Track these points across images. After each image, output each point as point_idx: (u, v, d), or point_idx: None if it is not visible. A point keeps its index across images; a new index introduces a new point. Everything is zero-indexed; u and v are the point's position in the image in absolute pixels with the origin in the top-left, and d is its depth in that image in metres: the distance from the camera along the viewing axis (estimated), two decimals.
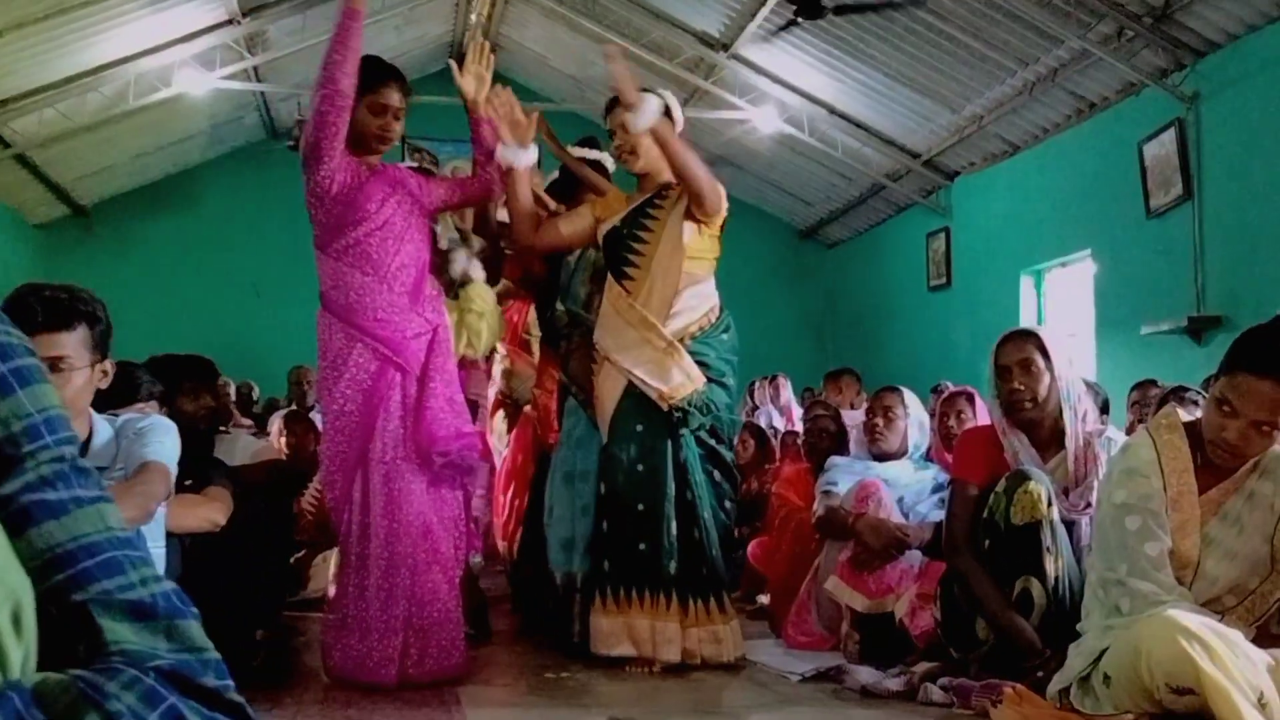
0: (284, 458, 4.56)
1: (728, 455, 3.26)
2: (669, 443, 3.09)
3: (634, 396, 3.10)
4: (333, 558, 3.33)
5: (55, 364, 2.08)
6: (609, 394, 3.15)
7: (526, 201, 3.22)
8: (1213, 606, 2.23)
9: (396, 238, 2.93)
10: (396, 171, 3.10)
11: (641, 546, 3.04)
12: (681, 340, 3.11)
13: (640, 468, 3.08)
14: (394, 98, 2.95)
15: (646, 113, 3.01)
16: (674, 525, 3.06)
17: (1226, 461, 2.24)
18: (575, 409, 3.36)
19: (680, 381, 3.08)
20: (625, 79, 3.01)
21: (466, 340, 3.44)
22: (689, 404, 3.07)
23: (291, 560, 4.04)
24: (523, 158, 3.16)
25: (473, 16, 10.56)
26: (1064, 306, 8.49)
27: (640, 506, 3.06)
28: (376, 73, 2.94)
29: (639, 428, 3.11)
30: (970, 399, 3.56)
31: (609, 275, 3.23)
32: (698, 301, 3.18)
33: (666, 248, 3.14)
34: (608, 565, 3.08)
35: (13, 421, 0.77)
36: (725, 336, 3.22)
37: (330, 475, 2.95)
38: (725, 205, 3.18)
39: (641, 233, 3.18)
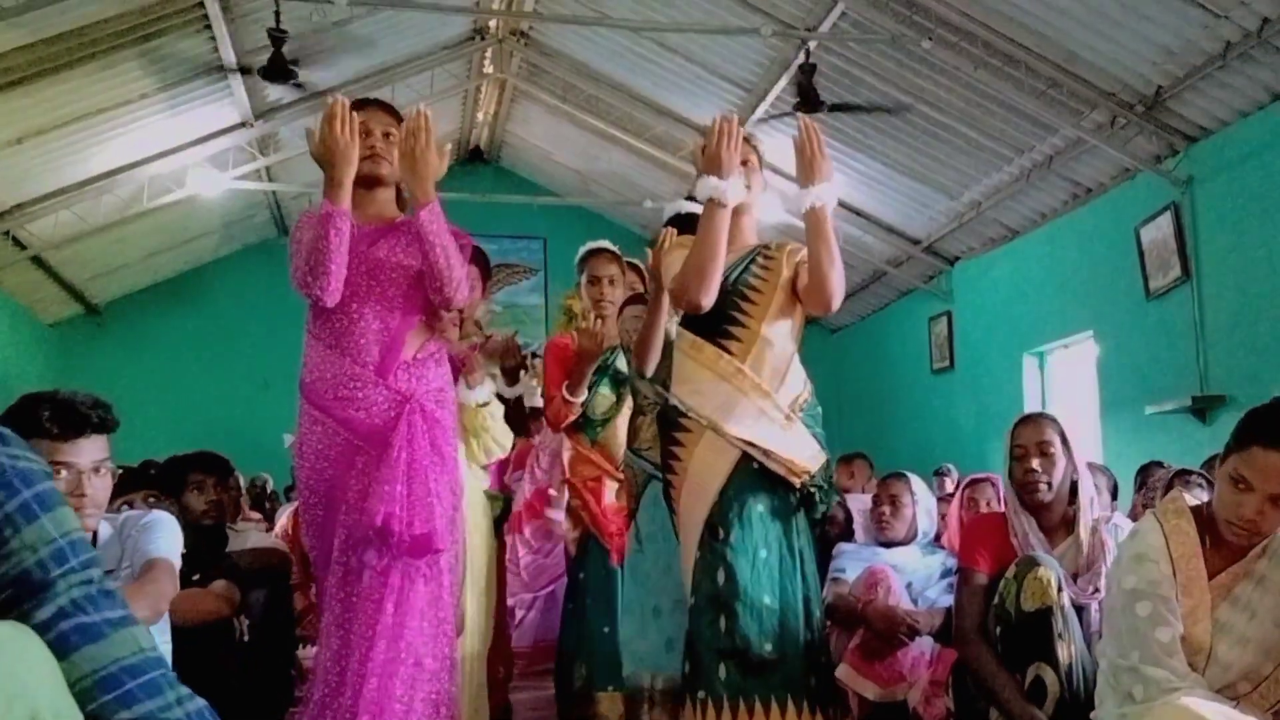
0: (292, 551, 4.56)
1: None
2: (794, 528, 2.70)
3: (749, 474, 2.67)
4: None
5: (100, 465, 2.17)
6: (713, 469, 2.68)
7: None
8: (1226, 693, 2.20)
9: (360, 300, 2.56)
10: (384, 229, 2.67)
11: (767, 648, 2.58)
12: (794, 411, 2.74)
13: (764, 554, 2.64)
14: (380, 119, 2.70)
15: (834, 192, 2.68)
16: (802, 624, 2.64)
17: (1243, 539, 2.24)
18: (655, 500, 3.03)
19: (809, 456, 2.69)
20: (817, 142, 2.68)
21: (483, 450, 3.38)
22: (816, 484, 2.70)
23: (296, 655, 4.02)
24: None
25: (480, 114, 10.85)
26: (1067, 388, 8.52)
27: (767, 600, 2.61)
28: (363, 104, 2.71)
29: (759, 508, 2.66)
30: (996, 485, 3.56)
31: (693, 336, 2.77)
32: (800, 371, 2.82)
33: (779, 308, 2.75)
34: (724, 671, 2.58)
35: (40, 548, 0.81)
36: (819, 411, 2.85)
37: (316, 575, 2.73)
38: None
39: (750, 292, 2.75)
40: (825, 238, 2.65)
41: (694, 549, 2.67)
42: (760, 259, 2.80)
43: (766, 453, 2.65)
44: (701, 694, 2.59)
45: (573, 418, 3.62)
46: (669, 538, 2.97)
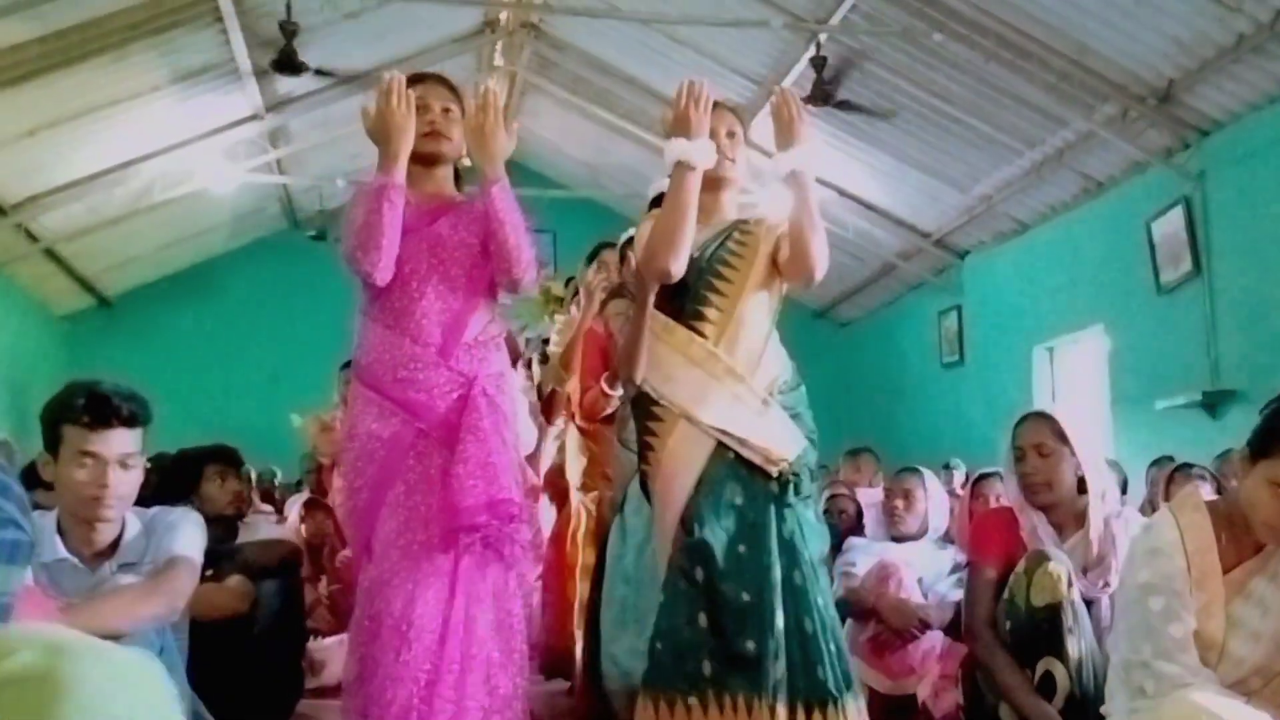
0: (303, 543, 4.57)
1: (819, 529, 2.72)
2: (773, 517, 2.54)
3: (725, 463, 2.54)
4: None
5: (127, 460, 2.17)
6: (687, 460, 2.55)
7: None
8: (1238, 689, 2.20)
9: (421, 279, 2.50)
10: (443, 206, 2.61)
11: (749, 645, 2.45)
12: (770, 394, 2.62)
13: (742, 549, 2.50)
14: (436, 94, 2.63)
15: (813, 156, 2.65)
16: (781, 617, 2.48)
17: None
18: (637, 493, 2.93)
19: (788, 443, 2.56)
20: (795, 106, 2.68)
21: None
22: (796, 469, 2.56)
23: (306, 647, 4.04)
24: None
25: None
26: (1078, 381, 8.49)
27: (745, 597, 2.47)
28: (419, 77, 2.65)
29: (736, 500, 2.53)
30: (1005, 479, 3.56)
31: (665, 319, 2.63)
32: (779, 352, 2.71)
33: (756, 286, 2.62)
34: (709, 669, 2.46)
35: None
36: (802, 390, 2.75)
37: (354, 561, 2.71)
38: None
39: (725, 269, 2.61)
40: (806, 203, 2.58)
41: (670, 542, 2.55)
42: (737, 234, 2.67)
43: (741, 440, 2.52)
44: (683, 689, 2.45)
45: (610, 410, 3.55)
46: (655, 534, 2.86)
